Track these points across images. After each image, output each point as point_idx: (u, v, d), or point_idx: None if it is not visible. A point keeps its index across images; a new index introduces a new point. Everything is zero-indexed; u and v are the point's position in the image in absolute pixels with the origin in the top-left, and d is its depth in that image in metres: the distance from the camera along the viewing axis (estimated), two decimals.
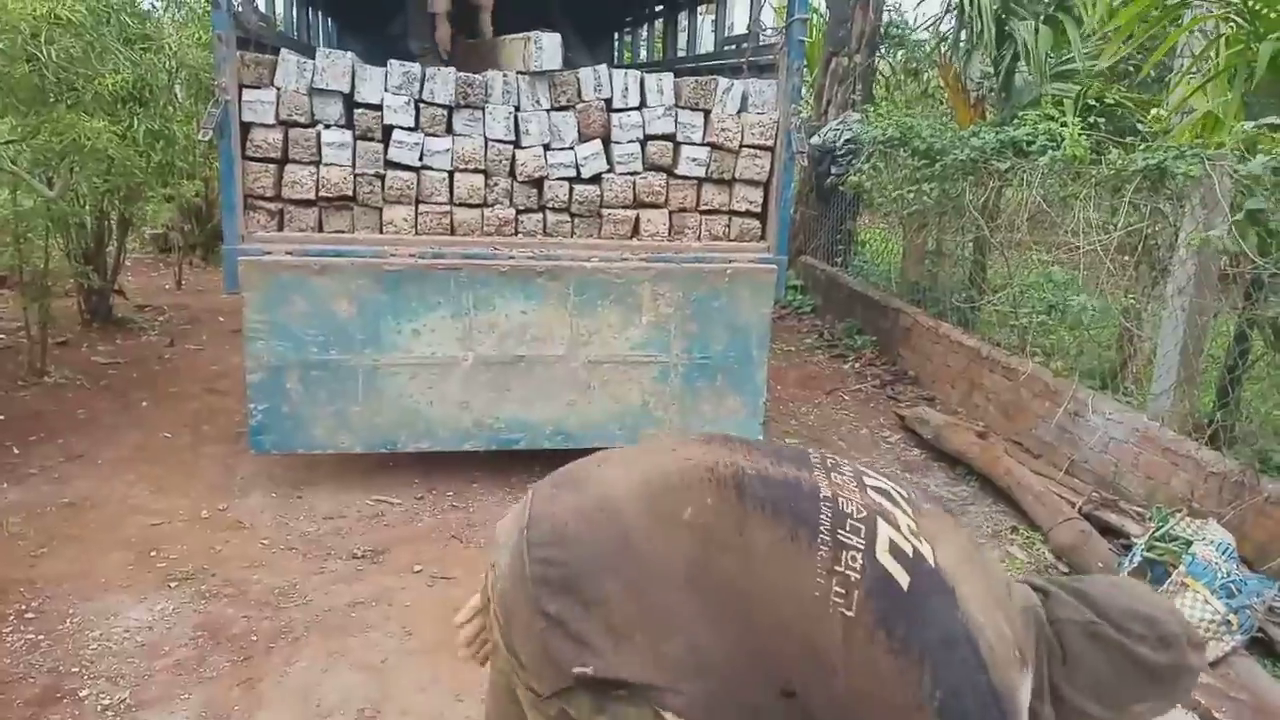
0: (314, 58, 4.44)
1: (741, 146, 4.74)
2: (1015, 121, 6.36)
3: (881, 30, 9.84)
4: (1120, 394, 5.15)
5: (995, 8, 6.98)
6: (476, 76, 4.62)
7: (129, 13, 5.69)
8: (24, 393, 5.72)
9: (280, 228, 4.50)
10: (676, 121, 4.75)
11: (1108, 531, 4.32)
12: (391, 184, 4.53)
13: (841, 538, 1.42)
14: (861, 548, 1.41)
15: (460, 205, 4.66)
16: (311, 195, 4.45)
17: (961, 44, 7.47)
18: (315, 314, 4.35)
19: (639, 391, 4.72)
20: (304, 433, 4.48)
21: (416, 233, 4.62)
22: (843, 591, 1.38)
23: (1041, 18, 7.16)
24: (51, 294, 6.22)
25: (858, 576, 1.39)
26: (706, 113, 4.77)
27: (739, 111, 4.79)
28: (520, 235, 4.72)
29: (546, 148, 4.70)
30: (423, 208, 4.61)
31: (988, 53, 7.17)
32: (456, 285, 4.46)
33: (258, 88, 4.36)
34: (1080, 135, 5.65)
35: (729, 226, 4.89)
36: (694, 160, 4.76)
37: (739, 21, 6.93)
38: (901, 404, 6.55)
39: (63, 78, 4.87)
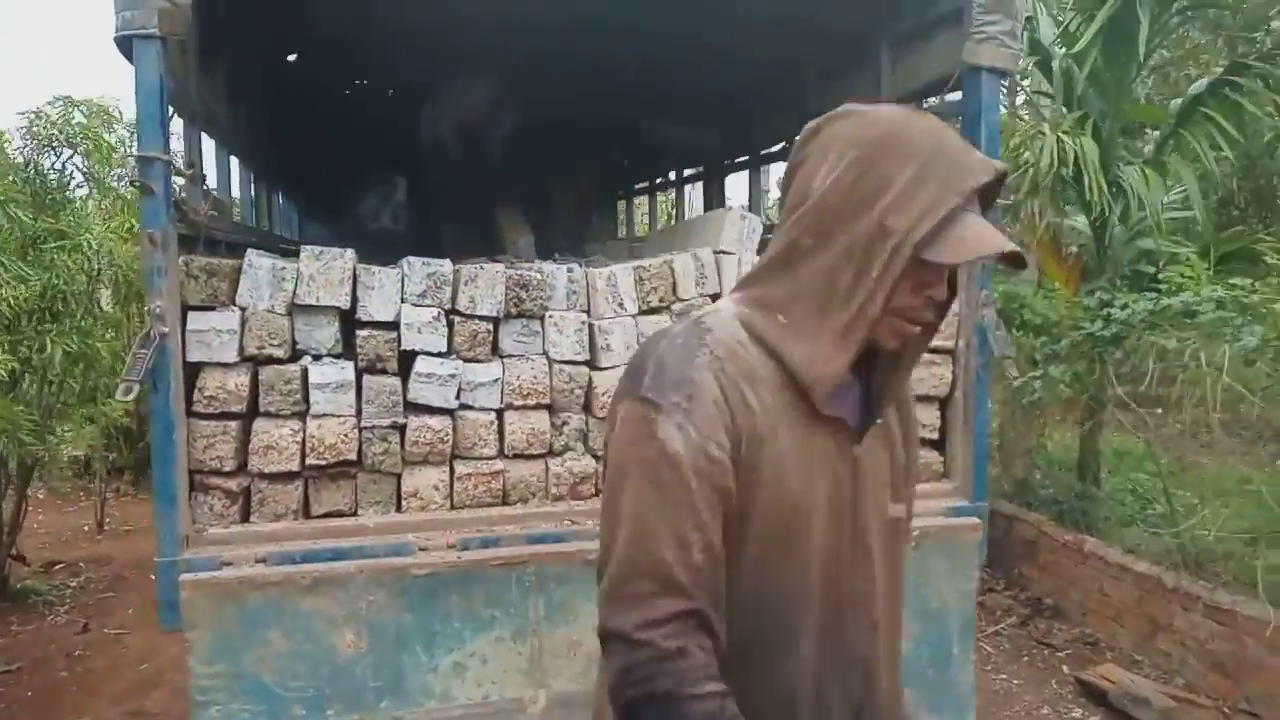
0: (294, 258, 3.02)
1: None
2: (1165, 286, 5.14)
3: None
4: None
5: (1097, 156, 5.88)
6: (532, 273, 3.21)
7: (25, 204, 4.24)
8: None
9: (245, 516, 2.94)
10: None
11: None
12: (415, 437, 3.03)
13: None
14: None
15: (516, 457, 3.16)
16: (295, 464, 2.92)
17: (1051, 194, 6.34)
18: (303, 655, 2.74)
19: None
20: None
21: (453, 506, 3.08)
22: None
23: (1145, 163, 6.11)
24: None
25: None
26: None
27: None
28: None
29: None
30: (461, 467, 3.10)
31: (1091, 205, 6.03)
32: (519, 588, 2.90)
33: (211, 309, 2.88)
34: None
35: None
36: None
37: None
38: (1059, 651, 5.04)
39: None
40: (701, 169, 6.71)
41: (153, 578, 5.66)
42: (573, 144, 7.42)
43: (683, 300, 3.32)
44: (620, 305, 3.26)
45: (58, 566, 6.29)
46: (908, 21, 3.79)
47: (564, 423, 3.21)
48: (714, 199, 6.36)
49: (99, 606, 5.58)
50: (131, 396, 2.57)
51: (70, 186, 5.19)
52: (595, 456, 3.23)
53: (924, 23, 3.67)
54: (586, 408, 3.23)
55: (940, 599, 3.20)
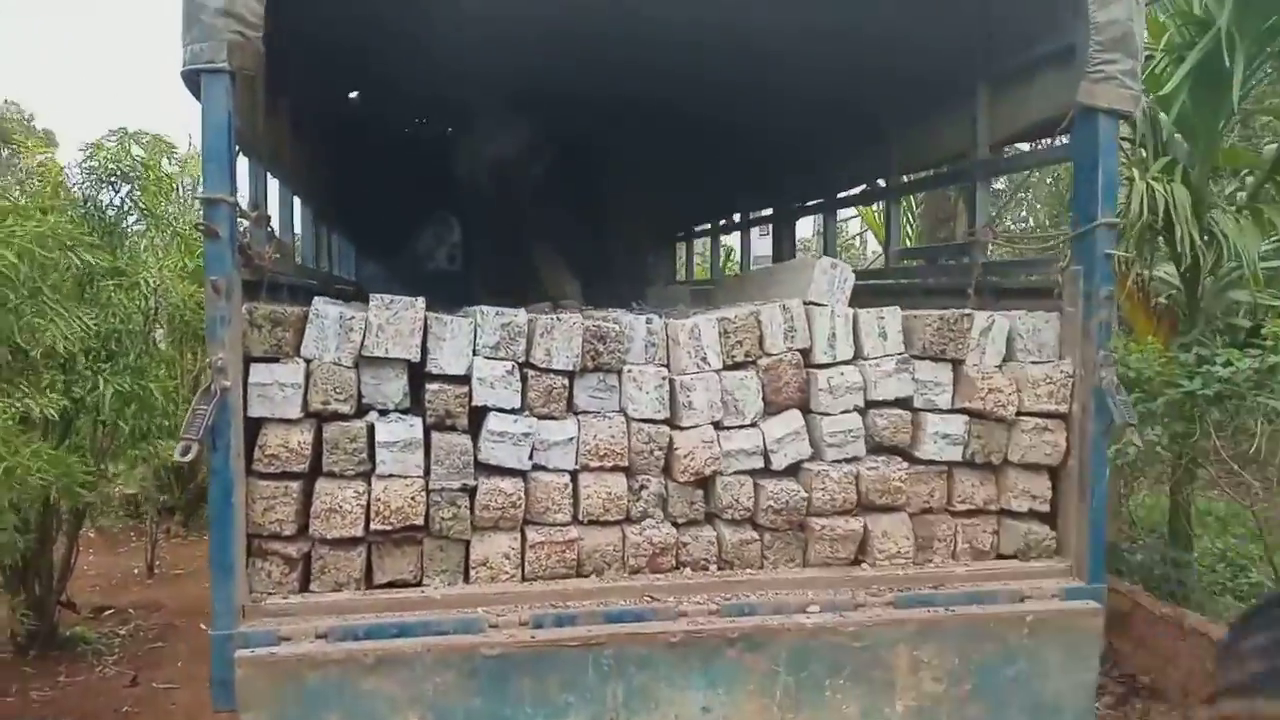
0: (360, 303, 2.85)
1: (1019, 414, 3.08)
2: (1270, 343, 4.80)
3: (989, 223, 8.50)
4: None
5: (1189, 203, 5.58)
6: (610, 324, 3.00)
7: (89, 244, 4.16)
8: None
9: (304, 584, 2.74)
10: (914, 378, 3.11)
11: None
12: (486, 500, 2.81)
13: None
14: None
15: (591, 524, 2.93)
16: (359, 529, 2.72)
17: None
18: None
19: None
20: None
21: (524, 577, 2.86)
22: None
23: (1240, 210, 5.79)
24: None
25: None
26: (956, 363, 3.14)
27: (1004, 360, 3.17)
28: (687, 570, 2.97)
29: (718, 426, 3.03)
30: (533, 534, 2.88)
31: (1181, 255, 5.71)
32: (597, 671, 2.66)
33: (275, 360, 2.71)
34: None
35: (998, 535, 3.17)
36: (943, 436, 3.09)
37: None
38: None
39: None
40: (770, 211, 6.49)
41: (203, 627, 5.50)
42: (633, 184, 7.26)
43: (770, 355, 3.08)
44: (703, 360, 3.03)
45: (108, 612, 6.14)
46: (1008, 60, 3.56)
47: (642, 486, 2.98)
48: (784, 243, 6.14)
49: (148, 657, 5.40)
50: (190, 457, 2.38)
51: (127, 222, 5.09)
52: (675, 524, 2.99)
53: (1027, 61, 3.44)
54: (666, 470, 3.00)
55: (1056, 692, 2.90)
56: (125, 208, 5.29)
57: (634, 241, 8.09)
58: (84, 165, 4.97)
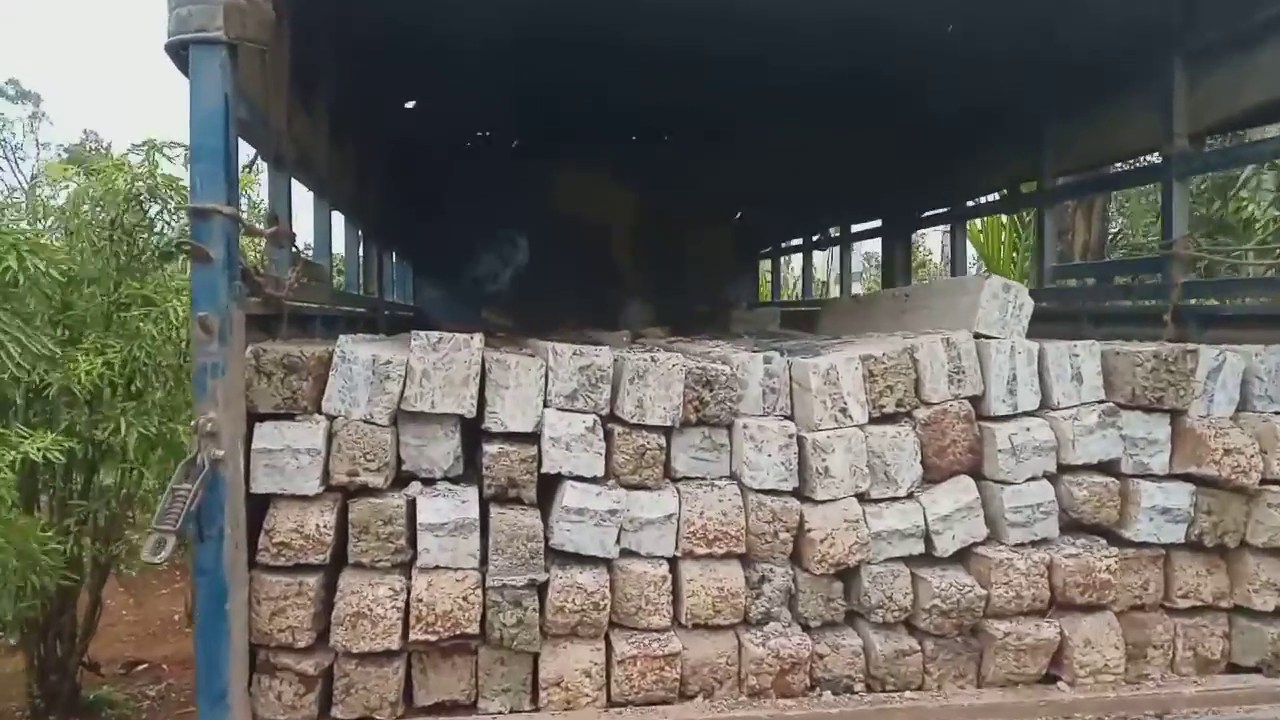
0: (405, 348, 2.20)
1: (1264, 483, 2.32)
2: None
3: (1112, 238, 7.69)
4: None
5: None
6: (717, 364, 2.32)
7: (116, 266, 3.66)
8: None
9: (324, 709, 2.10)
10: (1122, 434, 2.36)
11: None
12: (560, 600, 2.14)
13: None
14: None
15: (697, 629, 2.24)
16: (395, 639, 2.06)
17: None
18: None
19: None
20: None
21: (609, 701, 2.17)
22: None
23: None
24: None
25: None
26: (1175, 414, 2.38)
27: (1237, 409, 2.41)
28: (825, 693, 2.25)
29: (864, 499, 2.31)
30: (622, 644, 2.19)
31: None
32: None
33: (289, 417, 2.08)
34: None
35: (1229, 641, 2.40)
36: (1162, 511, 2.34)
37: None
38: None
39: None
40: (880, 223, 5.73)
41: None
42: (715, 192, 6.60)
43: (930, 404, 2.37)
44: (843, 411, 2.33)
45: (140, 667, 5.62)
46: (1218, 28, 2.81)
47: (763, 579, 2.28)
48: (898, 259, 5.39)
49: None
50: (163, 556, 1.76)
51: (160, 244, 4.56)
52: (808, 629, 2.29)
53: (1247, 28, 2.69)
54: (796, 558, 2.30)
55: None
56: (158, 230, 4.78)
57: (714, 258, 7.40)
58: (105, 186, 4.43)
